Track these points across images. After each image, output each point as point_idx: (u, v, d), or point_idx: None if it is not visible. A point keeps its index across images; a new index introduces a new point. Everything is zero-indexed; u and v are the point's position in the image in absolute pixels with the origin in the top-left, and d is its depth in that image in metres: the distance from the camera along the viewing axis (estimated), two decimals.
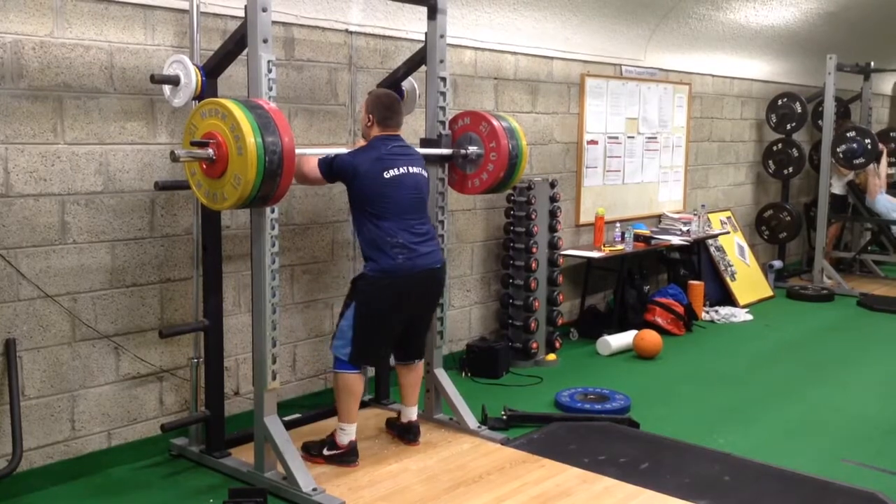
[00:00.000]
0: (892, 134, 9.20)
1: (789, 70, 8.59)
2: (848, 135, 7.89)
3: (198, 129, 3.19)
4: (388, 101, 3.79)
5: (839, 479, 3.69)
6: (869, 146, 7.81)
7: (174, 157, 3.15)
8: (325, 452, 3.74)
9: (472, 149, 4.17)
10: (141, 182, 3.74)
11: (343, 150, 3.74)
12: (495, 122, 4.12)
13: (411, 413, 4.02)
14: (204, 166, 3.18)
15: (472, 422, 4.14)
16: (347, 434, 3.73)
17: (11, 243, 3.37)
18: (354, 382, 3.72)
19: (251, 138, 3.03)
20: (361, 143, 3.89)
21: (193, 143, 3.17)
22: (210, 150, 3.11)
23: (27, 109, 3.37)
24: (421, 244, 3.69)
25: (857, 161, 7.92)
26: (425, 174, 3.81)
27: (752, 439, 4.24)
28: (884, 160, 8.46)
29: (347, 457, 3.72)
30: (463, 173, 4.25)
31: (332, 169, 3.66)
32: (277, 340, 3.53)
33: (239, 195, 3.10)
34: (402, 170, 3.66)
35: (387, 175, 3.61)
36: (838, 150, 7.89)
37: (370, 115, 3.75)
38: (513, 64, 5.61)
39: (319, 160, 3.70)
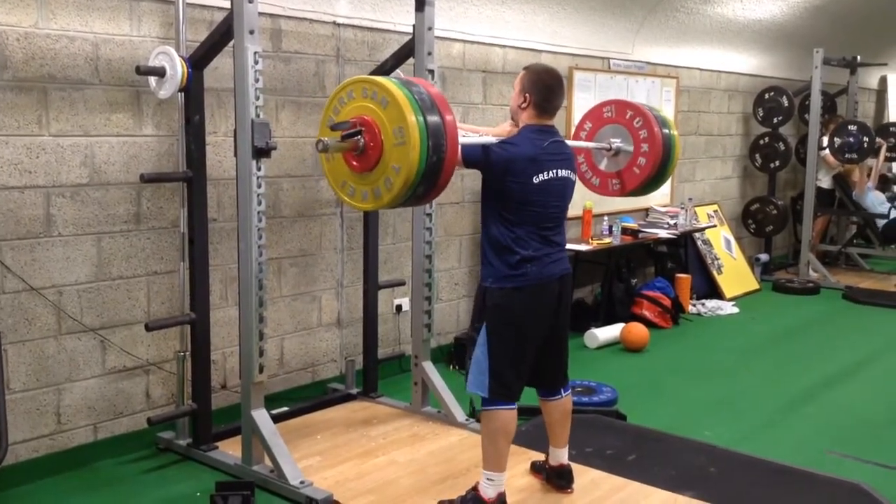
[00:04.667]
0: (892, 129, 9.19)
1: (776, 64, 8.62)
2: (849, 128, 7.88)
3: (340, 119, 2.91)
4: (551, 82, 3.13)
5: (824, 470, 3.72)
6: (865, 144, 7.80)
7: (323, 148, 2.76)
8: None
9: (617, 142, 3.75)
10: (127, 174, 3.71)
11: (490, 139, 3.19)
12: (648, 112, 3.70)
13: (562, 455, 3.43)
14: (354, 163, 2.86)
15: (459, 415, 4.15)
16: (496, 485, 3.13)
17: None
18: (509, 421, 3.13)
19: (412, 116, 2.69)
20: (507, 126, 3.34)
21: (334, 127, 2.74)
22: (360, 137, 2.75)
23: (11, 101, 3.34)
24: (552, 254, 3.15)
25: (848, 155, 7.93)
26: (574, 178, 3.22)
27: (738, 431, 4.26)
28: (881, 155, 8.48)
29: None
30: (605, 173, 3.86)
31: (486, 159, 3.05)
32: (265, 334, 3.53)
33: (403, 180, 2.72)
34: (552, 173, 3.07)
35: (536, 180, 3.03)
36: (836, 139, 7.90)
37: (526, 96, 3.11)
38: (501, 57, 5.60)
39: (463, 146, 3.03)
